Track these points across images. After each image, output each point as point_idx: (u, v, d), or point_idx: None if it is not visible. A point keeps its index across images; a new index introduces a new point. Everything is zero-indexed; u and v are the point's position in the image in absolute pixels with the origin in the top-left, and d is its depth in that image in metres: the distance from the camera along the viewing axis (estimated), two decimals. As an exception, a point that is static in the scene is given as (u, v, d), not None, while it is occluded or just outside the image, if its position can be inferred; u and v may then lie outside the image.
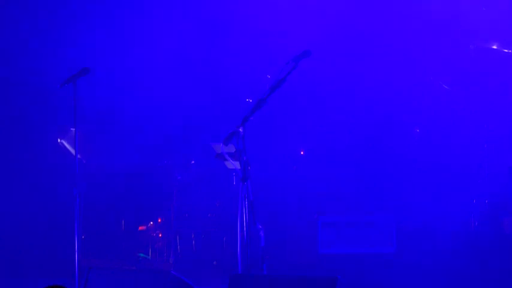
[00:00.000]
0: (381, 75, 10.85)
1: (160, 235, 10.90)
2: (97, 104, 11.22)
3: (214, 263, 10.58)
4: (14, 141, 11.54)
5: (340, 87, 10.96)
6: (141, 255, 10.84)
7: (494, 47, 10.23)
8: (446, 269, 9.66)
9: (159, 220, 10.98)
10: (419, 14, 10.78)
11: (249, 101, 9.26)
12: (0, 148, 11.55)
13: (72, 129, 10.08)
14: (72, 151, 10.31)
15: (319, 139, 10.92)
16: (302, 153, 10.98)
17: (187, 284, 6.86)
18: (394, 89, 10.77)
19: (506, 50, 10.18)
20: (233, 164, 7.53)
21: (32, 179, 11.36)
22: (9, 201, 11.24)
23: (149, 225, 10.96)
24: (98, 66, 10.40)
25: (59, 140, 11.24)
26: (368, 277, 9.79)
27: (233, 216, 7.53)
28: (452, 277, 9.56)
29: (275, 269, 9.17)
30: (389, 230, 10.13)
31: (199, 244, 10.80)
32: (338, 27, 11.01)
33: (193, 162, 11.02)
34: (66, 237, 9.55)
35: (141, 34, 11.53)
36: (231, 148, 7.61)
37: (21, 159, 11.46)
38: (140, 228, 10.99)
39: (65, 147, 11.21)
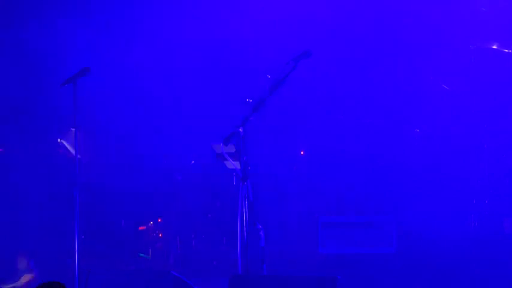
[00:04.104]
0: (381, 76, 10.86)
1: (160, 235, 10.90)
2: (97, 103, 11.23)
3: (214, 263, 10.58)
4: (13, 141, 11.54)
5: (341, 88, 10.96)
6: (141, 255, 10.84)
7: (494, 47, 10.24)
8: (445, 269, 9.66)
9: (159, 220, 10.99)
10: (419, 15, 10.79)
11: (249, 101, 9.26)
12: (0, 148, 11.55)
13: (72, 129, 10.08)
14: (72, 151, 10.32)
15: (320, 140, 10.92)
16: (302, 153, 10.99)
17: (188, 284, 6.86)
18: (394, 90, 10.77)
19: (506, 50, 10.19)
20: (233, 164, 7.54)
21: (32, 178, 11.36)
22: (9, 201, 11.24)
23: (149, 225, 10.97)
24: (98, 66, 10.40)
25: (59, 140, 11.25)
26: (368, 277, 9.80)
27: (233, 216, 7.54)
28: (452, 277, 9.56)
29: (275, 269, 9.17)
30: (389, 231, 10.13)
31: (199, 244, 10.81)
32: (338, 27, 11.01)
33: (193, 162, 11.02)
34: (66, 238, 9.56)
35: (140, 34, 11.53)
36: (231, 148, 7.62)
37: (21, 159, 11.46)
38: (140, 228, 11.00)
39: (65, 147, 11.22)
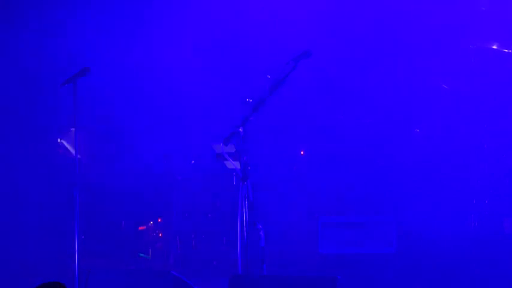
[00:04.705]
0: (381, 76, 10.85)
1: (160, 235, 10.90)
2: (97, 104, 11.23)
3: (214, 263, 10.58)
4: (14, 141, 11.54)
5: (341, 88, 10.96)
6: (141, 255, 10.84)
7: (494, 47, 10.24)
8: (445, 269, 9.66)
9: (159, 220, 10.99)
10: (419, 15, 10.78)
11: (249, 101, 9.27)
12: (0, 148, 11.55)
13: (72, 129, 10.09)
14: (72, 151, 10.32)
15: (319, 140, 10.92)
16: (302, 153, 10.99)
17: (188, 284, 6.86)
18: (394, 90, 10.77)
19: (506, 50, 10.18)
20: (233, 164, 7.54)
21: (32, 178, 11.35)
22: (9, 202, 11.24)
23: (149, 225, 10.97)
24: (98, 66, 10.40)
25: (59, 140, 11.24)
26: (368, 277, 9.79)
27: (233, 216, 7.54)
28: (452, 277, 9.56)
29: (275, 269, 9.18)
30: (389, 231, 10.13)
31: (199, 244, 10.81)
32: (338, 27, 11.01)
33: (193, 162, 11.02)
34: (65, 238, 9.55)
35: (140, 34, 11.53)
36: (231, 148, 7.62)
37: (21, 159, 11.46)
38: (140, 228, 10.99)
39: (65, 147, 11.22)
